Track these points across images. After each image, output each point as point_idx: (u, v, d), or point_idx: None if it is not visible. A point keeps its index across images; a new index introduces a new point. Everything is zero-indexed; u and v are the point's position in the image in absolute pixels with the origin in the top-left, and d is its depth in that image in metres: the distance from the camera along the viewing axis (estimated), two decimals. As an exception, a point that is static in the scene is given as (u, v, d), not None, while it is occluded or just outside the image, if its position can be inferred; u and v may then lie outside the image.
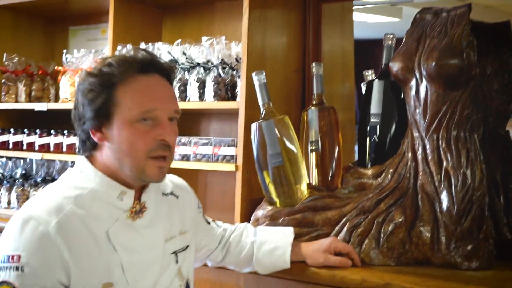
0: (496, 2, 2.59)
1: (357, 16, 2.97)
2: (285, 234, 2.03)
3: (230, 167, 2.45)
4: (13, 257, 1.44)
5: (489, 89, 2.33)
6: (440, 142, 2.04)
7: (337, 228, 2.11)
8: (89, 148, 1.63)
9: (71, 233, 1.49)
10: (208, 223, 2.01)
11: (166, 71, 1.65)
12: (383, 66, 2.31)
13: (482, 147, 2.29)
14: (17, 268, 1.43)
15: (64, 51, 3.31)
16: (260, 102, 2.28)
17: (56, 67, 3.39)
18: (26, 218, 1.48)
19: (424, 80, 2.07)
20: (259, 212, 2.28)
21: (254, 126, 2.27)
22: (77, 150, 1.66)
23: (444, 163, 2.03)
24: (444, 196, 2.01)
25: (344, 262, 1.99)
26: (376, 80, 2.31)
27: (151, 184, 1.69)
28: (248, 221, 2.32)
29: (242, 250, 2.02)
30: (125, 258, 1.56)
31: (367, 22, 3.00)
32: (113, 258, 1.55)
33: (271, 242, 2.00)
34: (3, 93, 3.47)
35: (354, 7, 2.92)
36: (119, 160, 1.58)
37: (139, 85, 1.57)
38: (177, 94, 2.64)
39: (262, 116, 2.27)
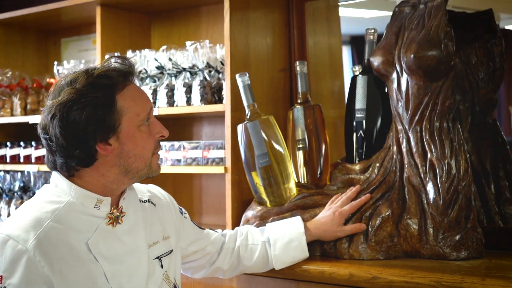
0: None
1: (351, 12, 2.96)
2: (294, 225, 2.06)
3: (219, 169, 2.46)
4: None
5: (475, 78, 2.34)
6: (424, 134, 2.04)
7: (325, 224, 2.11)
8: (76, 168, 1.61)
9: (50, 248, 1.51)
10: (201, 228, 2.02)
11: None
12: (365, 61, 2.31)
13: (470, 136, 2.30)
14: None
15: (55, 63, 3.33)
16: (245, 103, 2.29)
17: (48, 79, 3.41)
18: (5, 239, 1.50)
19: (404, 73, 2.07)
20: (249, 213, 2.29)
21: (240, 128, 2.28)
22: (49, 167, 1.66)
23: (429, 155, 2.03)
24: (430, 188, 2.01)
25: (358, 227, 2.06)
26: (360, 75, 2.31)
27: (128, 191, 1.71)
28: (239, 221, 2.33)
29: (253, 252, 2.03)
30: (107, 267, 1.58)
31: (363, 17, 2.99)
32: (95, 269, 1.56)
33: (284, 237, 2.03)
34: (-2, 108, 3.50)
35: (340, 3, 2.92)
36: (126, 166, 1.62)
37: (135, 91, 1.64)
38: (164, 99, 2.65)
39: (248, 117, 2.28)
